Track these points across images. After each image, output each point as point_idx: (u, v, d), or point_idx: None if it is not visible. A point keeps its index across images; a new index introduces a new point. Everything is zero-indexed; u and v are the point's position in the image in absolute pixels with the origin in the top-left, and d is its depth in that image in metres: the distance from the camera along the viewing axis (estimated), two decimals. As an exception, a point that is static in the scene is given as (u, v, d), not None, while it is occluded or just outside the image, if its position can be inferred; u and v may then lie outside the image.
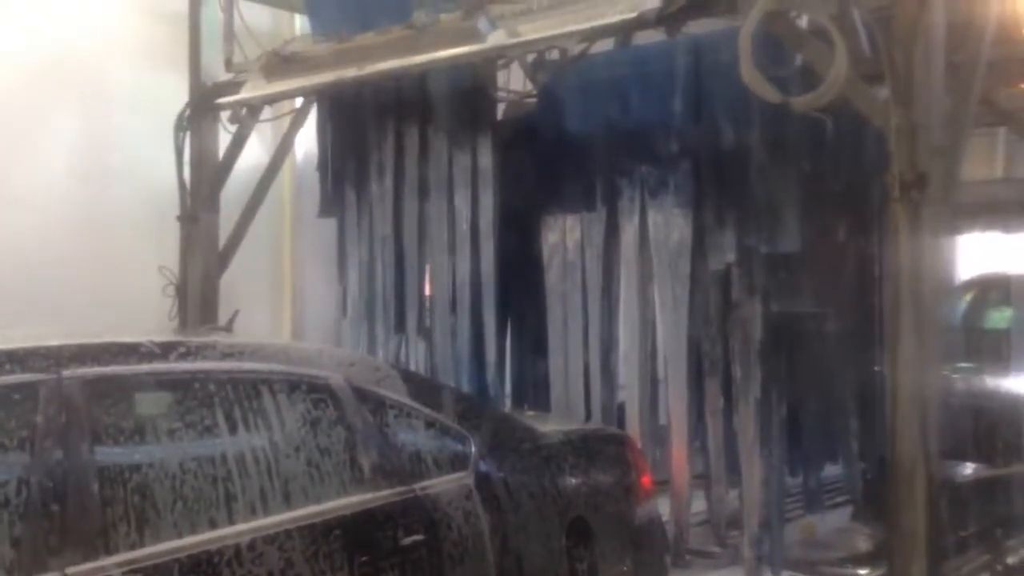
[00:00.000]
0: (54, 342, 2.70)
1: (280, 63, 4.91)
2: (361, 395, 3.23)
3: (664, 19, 3.68)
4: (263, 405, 2.99)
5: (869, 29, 3.59)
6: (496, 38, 3.95)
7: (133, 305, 6.13)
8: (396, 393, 3.37)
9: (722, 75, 4.24)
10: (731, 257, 4.45)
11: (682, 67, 4.49)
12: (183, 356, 2.91)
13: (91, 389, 2.62)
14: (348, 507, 3.00)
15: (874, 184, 4.59)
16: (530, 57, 5.15)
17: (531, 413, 4.93)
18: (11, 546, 2.34)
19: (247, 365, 3.05)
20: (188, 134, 6.21)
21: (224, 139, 6.31)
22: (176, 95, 6.33)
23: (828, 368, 5.04)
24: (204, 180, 6.23)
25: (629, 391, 4.88)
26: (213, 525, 2.69)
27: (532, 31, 3.90)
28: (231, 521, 2.73)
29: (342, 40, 4.71)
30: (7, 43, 6.24)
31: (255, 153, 6.85)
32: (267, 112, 6.20)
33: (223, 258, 6.38)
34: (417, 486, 3.21)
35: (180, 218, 6.27)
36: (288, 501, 2.88)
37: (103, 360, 2.72)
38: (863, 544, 5.44)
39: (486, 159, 4.99)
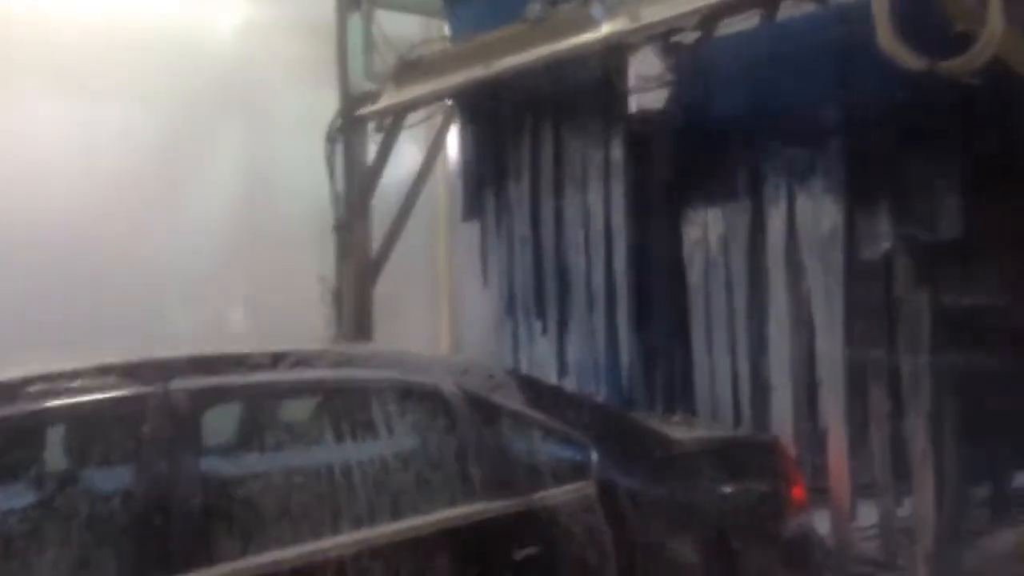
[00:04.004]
0: (164, 355, 2.77)
1: (409, 69, 4.91)
2: (474, 403, 3.13)
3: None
4: (372, 413, 2.96)
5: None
6: (614, 25, 3.76)
7: (295, 315, 6.36)
8: (511, 401, 3.25)
9: (872, 46, 3.85)
10: (886, 245, 4.04)
11: (827, 40, 4.12)
12: (293, 366, 2.91)
13: (198, 400, 2.66)
14: (458, 518, 2.91)
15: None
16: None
17: (677, 418, 4.69)
18: (115, 557, 2.40)
19: (356, 373, 3.03)
20: (340, 145, 6.37)
21: (374, 149, 6.45)
22: (331, 108, 6.54)
23: (1015, 365, 4.49)
24: (355, 190, 6.37)
25: (781, 395, 4.54)
26: (318, 536, 2.67)
27: (652, 15, 3.67)
28: (336, 533, 2.70)
29: (465, 40, 4.65)
30: (173, 71, 6.66)
31: (410, 160, 6.96)
32: (411, 118, 6.26)
33: (375, 266, 6.51)
34: (532, 497, 3.07)
35: (335, 228, 6.45)
36: (396, 512, 2.83)
37: (211, 371, 2.76)
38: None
39: (617, 153, 4.79)
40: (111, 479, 2.53)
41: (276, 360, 2.87)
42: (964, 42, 3.15)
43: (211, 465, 2.67)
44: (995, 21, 2.79)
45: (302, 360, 2.94)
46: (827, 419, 4.44)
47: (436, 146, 6.78)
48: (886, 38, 2.98)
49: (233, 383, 2.77)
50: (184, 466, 2.54)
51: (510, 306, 5.67)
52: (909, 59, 3.00)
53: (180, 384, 2.62)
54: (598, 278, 4.98)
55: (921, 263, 4.07)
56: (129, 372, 2.62)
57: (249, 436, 2.86)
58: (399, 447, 2.97)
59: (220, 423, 2.80)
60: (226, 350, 2.89)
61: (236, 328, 6.23)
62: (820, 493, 4.64)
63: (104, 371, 2.59)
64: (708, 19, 3.88)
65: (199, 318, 6.23)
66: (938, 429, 4.16)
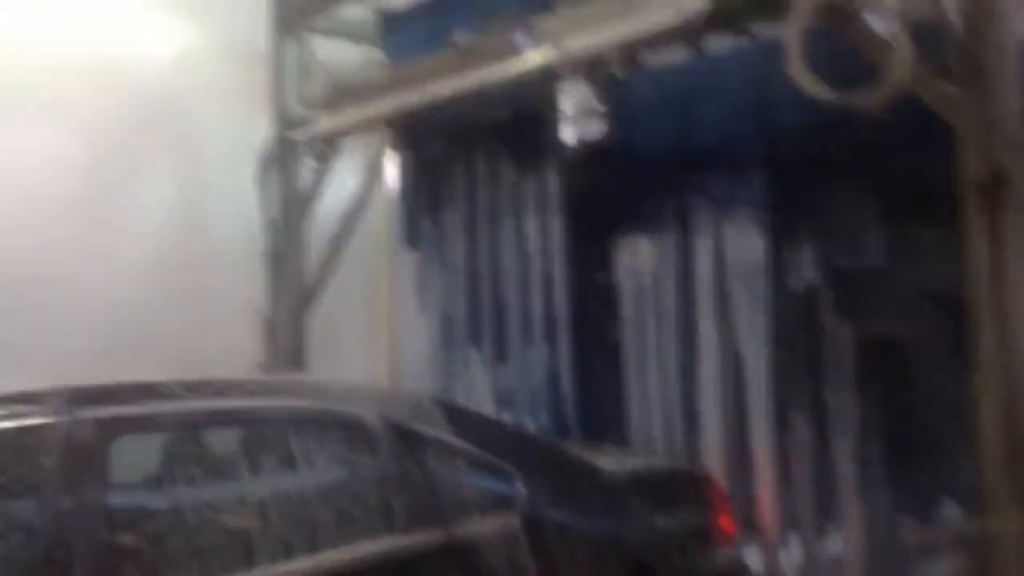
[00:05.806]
0: (70, 384, 2.68)
1: (340, 96, 4.90)
2: (397, 432, 3.08)
3: (715, 22, 3.41)
4: (289, 443, 2.90)
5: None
6: (539, 54, 3.78)
7: (227, 344, 6.25)
8: (436, 430, 3.21)
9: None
10: (810, 275, 4.11)
11: (750, 73, 4.20)
12: (207, 395, 2.85)
13: (104, 430, 2.58)
14: (377, 552, 2.85)
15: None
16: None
17: (609, 448, 4.68)
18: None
19: (273, 403, 2.97)
20: (274, 171, 6.32)
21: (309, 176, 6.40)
22: (264, 134, 6.48)
23: (938, 396, 4.56)
24: (289, 216, 6.31)
25: (710, 425, 4.56)
26: (231, 572, 2.60)
27: (577, 45, 3.70)
28: (251, 568, 2.63)
29: (394, 68, 4.66)
30: (105, 96, 6.57)
31: (350, 186, 6.90)
32: (347, 145, 6.23)
33: (311, 293, 6.43)
34: (456, 530, 3.03)
35: (264, 255, 6.36)
36: (315, 546, 2.76)
37: (119, 400, 2.68)
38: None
39: (552, 182, 4.82)
40: (12, 513, 2.44)
41: (189, 389, 2.81)
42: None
43: (119, 499, 2.59)
44: (903, 54, 2.85)
45: (217, 389, 2.88)
46: (755, 449, 4.47)
47: (374, 172, 6.74)
48: (797, 69, 3.04)
49: (143, 413, 2.69)
50: (89, 499, 2.46)
51: (448, 335, 5.64)
52: (819, 90, 3.06)
53: (86, 414, 2.54)
54: (534, 308, 4.99)
55: (844, 293, 4.14)
56: (32, 401, 2.54)
57: (161, 468, 2.77)
58: (319, 478, 2.91)
59: (131, 455, 2.71)
60: (137, 379, 2.82)
61: (165, 355, 6.09)
62: (751, 525, 4.67)
63: (4, 400, 2.51)
64: (630, 50, 3.93)
65: (126, 344, 6.10)
66: (864, 459, 4.21)
